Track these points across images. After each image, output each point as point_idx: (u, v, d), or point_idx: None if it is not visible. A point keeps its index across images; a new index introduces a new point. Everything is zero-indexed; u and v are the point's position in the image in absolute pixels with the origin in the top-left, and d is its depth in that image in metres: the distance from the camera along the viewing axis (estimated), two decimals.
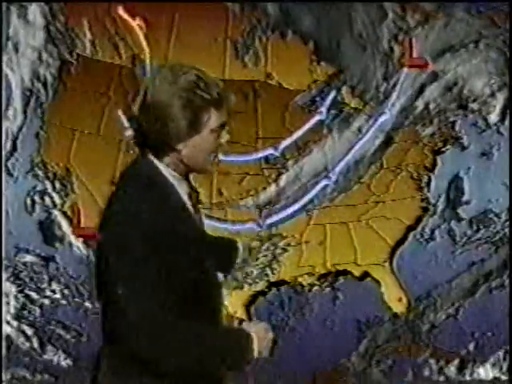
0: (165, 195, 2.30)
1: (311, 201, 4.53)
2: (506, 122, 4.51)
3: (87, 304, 4.49)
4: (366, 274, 4.57)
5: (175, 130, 2.25)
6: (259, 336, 2.34)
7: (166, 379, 2.28)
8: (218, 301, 2.44)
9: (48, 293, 4.48)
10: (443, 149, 4.55)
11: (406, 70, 4.48)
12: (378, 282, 4.57)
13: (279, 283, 4.54)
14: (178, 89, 2.23)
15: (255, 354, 2.32)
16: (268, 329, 2.38)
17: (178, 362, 2.24)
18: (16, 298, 4.48)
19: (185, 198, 2.36)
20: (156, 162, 2.32)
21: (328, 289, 4.57)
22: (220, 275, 2.55)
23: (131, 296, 2.19)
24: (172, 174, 2.33)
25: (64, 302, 4.49)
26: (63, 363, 4.52)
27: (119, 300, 2.20)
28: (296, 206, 4.52)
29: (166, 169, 2.32)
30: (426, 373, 4.64)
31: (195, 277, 2.30)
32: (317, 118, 4.48)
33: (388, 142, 4.53)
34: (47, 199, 4.44)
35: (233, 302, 4.50)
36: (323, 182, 4.52)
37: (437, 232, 4.58)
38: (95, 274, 2.32)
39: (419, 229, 4.56)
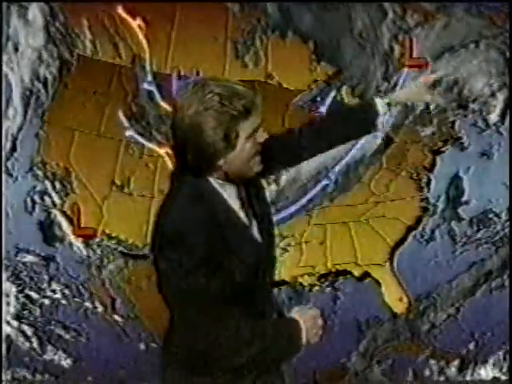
0: (211, 207, 2.32)
1: (311, 201, 4.53)
2: (506, 122, 4.51)
3: (87, 304, 4.49)
4: (366, 274, 4.57)
5: (212, 151, 2.28)
6: (308, 324, 2.39)
7: (221, 377, 2.34)
8: (267, 299, 2.51)
9: (48, 293, 4.48)
10: (443, 149, 4.55)
11: (406, 69, 4.48)
12: (378, 281, 4.57)
13: (279, 283, 4.54)
14: (206, 109, 2.25)
15: (304, 341, 2.37)
16: (317, 315, 2.43)
17: (236, 359, 2.30)
18: (16, 297, 4.47)
19: (235, 205, 2.38)
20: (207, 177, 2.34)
21: (328, 289, 4.56)
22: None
23: (176, 303, 2.29)
24: (219, 183, 2.36)
25: (64, 301, 4.49)
26: (63, 363, 4.52)
27: (183, 315, 2.29)
28: (296, 206, 4.52)
29: (214, 180, 2.35)
30: (426, 373, 4.64)
31: (244, 280, 2.34)
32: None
33: (388, 142, 4.53)
34: (47, 199, 4.44)
35: None
36: (323, 182, 4.52)
37: (437, 232, 4.58)
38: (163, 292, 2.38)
39: (419, 229, 4.56)
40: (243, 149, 2.31)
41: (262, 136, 2.36)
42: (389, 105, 2.75)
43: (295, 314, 2.42)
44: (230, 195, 2.37)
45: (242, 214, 2.40)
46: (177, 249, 2.25)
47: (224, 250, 2.29)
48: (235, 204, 2.38)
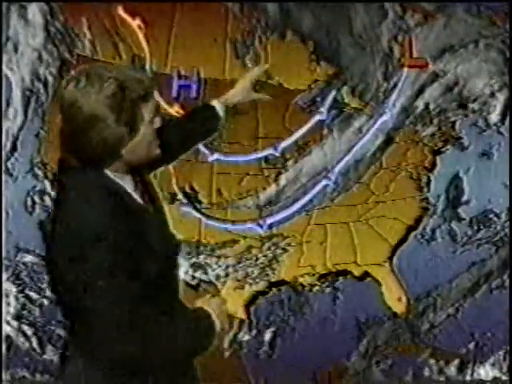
0: (109, 196, 2.26)
1: (311, 201, 4.53)
2: (506, 122, 4.51)
3: None
4: (366, 274, 4.57)
5: (116, 138, 2.21)
6: (217, 312, 2.37)
7: (138, 375, 2.30)
8: (176, 285, 2.45)
9: (48, 293, 4.48)
10: (443, 149, 4.55)
11: (406, 69, 4.48)
12: (378, 281, 4.57)
13: (279, 283, 4.54)
14: (106, 98, 2.18)
15: (218, 329, 2.35)
16: (222, 302, 2.42)
17: (148, 356, 2.25)
18: (16, 298, 4.47)
19: (133, 193, 2.33)
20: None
21: (328, 289, 4.57)
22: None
23: (93, 302, 2.19)
24: (116, 175, 2.29)
25: None
26: None
27: (84, 308, 2.20)
28: (296, 206, 4.52)
29: (112, 173, 2.29)
30: (426, 373, 4.64)
31: (156, 268, 2.28)
32: (317, 117, 4.48)
33: (388, 142, 4.53)
34: (47, 199, 4.44)
35: (233, 302, 4.50)
36: (323, 182, 4.52)
37: (437, 232, 4.58)
38: (51, 285, 2.34)
39: (419, 229, 4.57)
40: (145, 134, 2.26)
41: (158, 121, 2.30)
42: (226, 107, 2.93)
43: (199, 305, 2.40)
44: (129, 187, 2.32)
45: (145, 205, 2.36)
46: (97, 249, 2.18)
47: (138, 246, 2.23)
48: (135, 195, 2.33)
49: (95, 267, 2.17)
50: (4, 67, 4.32)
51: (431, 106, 4.52)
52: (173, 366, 2.35)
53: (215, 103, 2.91)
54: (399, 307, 4.60)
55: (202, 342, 2.35)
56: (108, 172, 2.28)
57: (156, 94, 2.30)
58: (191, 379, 2.50)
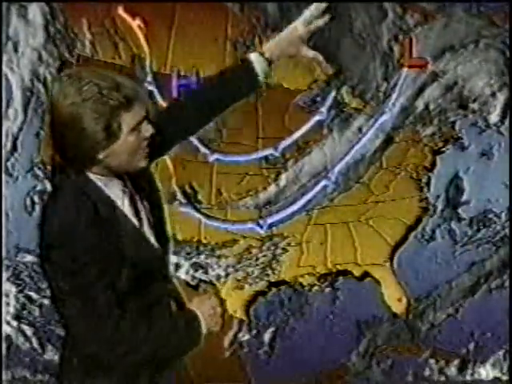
0: (94, 204, 2.26)
1: (311, 201, 4.53)
2: (506, 122, 4.51)
3: None
4: (366, 274, 4.57)
5: (91, 143, 2.21)
6: (207, 314, 2.37)
7: (120, 374, 2.33)
8: (163, 290, 2.44)
9: (48, 293, 4.47)
10: (443, 149, 4.55)
11: (405, 70, 4.47)
12: (378, 281, 4.57)
13: (279, 283, 4.54)
14: (84, 100, 2.18)
15: (204, 331, 2.35)
16: (216, 303, 2.41)
17: (132, 357, 2.27)
18: (16, 298, 4.47)
19: (120, 202, 2.32)
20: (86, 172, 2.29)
21: (328, 289, 4.56)
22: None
23: (72, 306, 2.24)
24: (100, 179, 2.29)
25: None
26: None
27: (64, 309, 2.27)
28: (296, 206, 4.52)
29: (94, 176, 2.29)
30: (426, 373, 4.64)
31: (131, 276, 2.29)
32: (317, 118, 4.48)
33: (388, 142, 4.53)
34: None
35: (233, 302, 4.50)
36: (323, 182, 4.52)
37: (437, 232, 4.58)
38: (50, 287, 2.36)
39: (419, 229, 4.56)
40: (126, 141, 2.24)
41: (147, 130, 2.27)
42: (266, 59, 2.51)
43: (193, 304, 2.40)
44: (113, 192, 2.31)
45: (130, 212, 2.35)
46: (63, 251, 2.20)
47: (113, 250, 2.23)
48: (120, 200, 2.32)
49: (60, 269, 2.22)
50: (4, 67, 4.33)
51: (431, 106, 4.51)
52: (155, 365, 2.37)
53: (253, 56, 2.52)
54: (399, 307, 4.59)
55: (186, 342, 2.36)
56: (91, 175, 2.29)
57: (142, 105, 2.26)
58: (176, 378, 2.52)
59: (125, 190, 2.35)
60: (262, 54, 2.52)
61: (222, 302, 2.46)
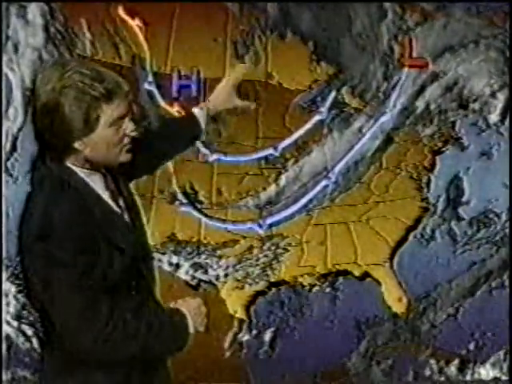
0: (77, 194, 2.27)
1: (311, 201, 4.53)
2: (506, 122, 4.51)
3: None
4: (366, 274, 4.57)
5: (68, 130, 2.22)
6: (193, 313, 2.37)
7: (107, 371, 2.31)
8: (149, 284, 2.44)
9: None
10: (443, 149, 4.55)
11: (406, 69, 4.48)
12: (378, 281, 4.57)
13: (279, 283, 4.54)
14: (65, 87, 2.20)
15: (191, 330, 2.36)
16: (200, 303, 2.42)
17: (119, 354, 2.27)
18: (16, 298, 4.47)
19: (103, 194, 2.33)
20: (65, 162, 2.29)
21: (328, 289, 4.57)
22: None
23: (60, 299, 2.21)
24: (82, 171, 2.30)
25: None
26: None
27: (51, 304, 2.23)
28: (296, 206, 4.52)
29: (74, 167, 2.30)
30: (426, 373, 4.64)
31: (120, 266, 2.28)
32: (317, 117, 4.48)
33: (388, 141, 4.53)
34: None
35: (233, 302, 4.50)
36: (323, 182, 4.52)
37: (437, 232, 4.58)
38: (24, 282, 2.34)
39: (419, 229, 4.57)
40: (104, 135, 2.25)
41: (128, 127, 2.29)
42: (208, 115, 2.79)
43: (177, 305, 2.41)
44: (96, 185, 2.32)
45: (112, 204, 2.35)
46: (50, 242, 2.20)
47: (99, 239, 2.23)
48: (104, 194, 2.33)
49: (47, 261, 2.20)
50: (4, 67, 4.33)
51: (431, 106, 4.52)
52: (143, 363, 2.36)
53: (196, 111, 2.79)
54: (399, 307, 4.60)
55: (174, 342, 2.36)
56: (74, 168, 2.29)
57: (124, 100, 2.27)
58: (164, 378, 2.51)
59: (107, 186, 2.37)
60: (203, 110, 2.79)
61: (206, 302, 2.46)
